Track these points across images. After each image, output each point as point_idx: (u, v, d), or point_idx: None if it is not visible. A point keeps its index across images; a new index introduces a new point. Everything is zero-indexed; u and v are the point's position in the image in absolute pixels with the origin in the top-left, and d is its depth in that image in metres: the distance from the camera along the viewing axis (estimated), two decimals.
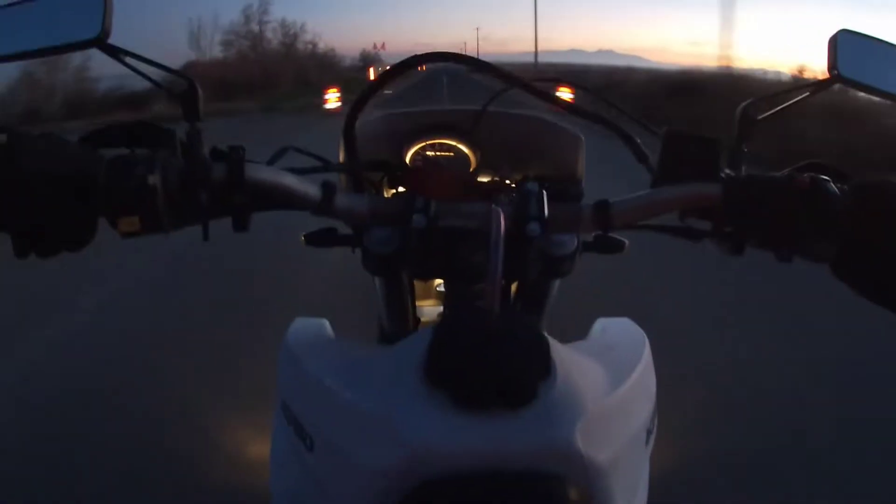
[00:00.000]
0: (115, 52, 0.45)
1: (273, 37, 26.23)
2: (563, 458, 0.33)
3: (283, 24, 26.89)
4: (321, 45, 29.37)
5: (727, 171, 0.47)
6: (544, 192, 0.45)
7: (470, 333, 0.35)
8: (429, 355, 0.35)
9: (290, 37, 27.37)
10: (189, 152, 0.42)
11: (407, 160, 0.52)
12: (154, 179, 0.38)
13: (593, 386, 0.38)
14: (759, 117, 0.48)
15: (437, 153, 0.53)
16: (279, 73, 20.76)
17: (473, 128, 0.55)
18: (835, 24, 0.52)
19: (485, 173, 0.57)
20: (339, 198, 0.45)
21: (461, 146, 0.52)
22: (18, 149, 0.37)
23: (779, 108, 0.49)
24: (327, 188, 0.45)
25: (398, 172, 0.49)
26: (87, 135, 0.43)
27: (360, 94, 0.46)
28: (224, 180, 0.42)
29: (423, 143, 0.53)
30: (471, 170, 0.50)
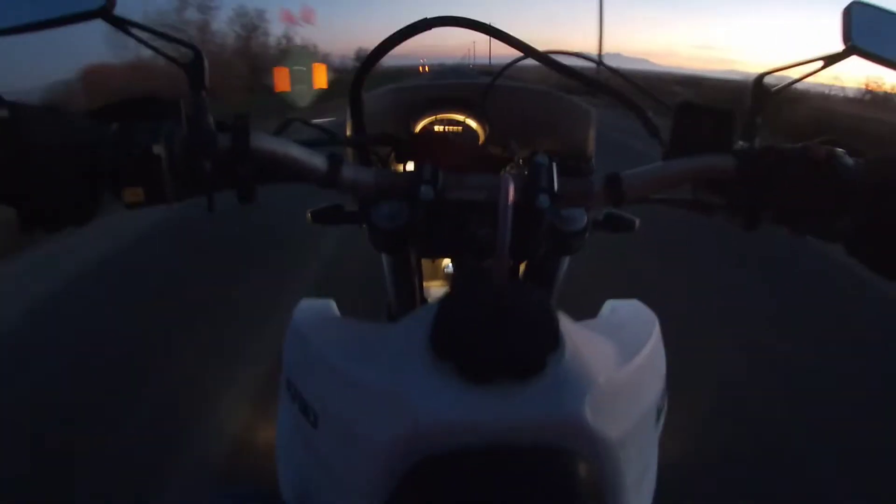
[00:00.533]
0: (121, 23, 0.44)
1: (230, 30, 17.54)
2: (572, 432, 0.32)
3: (240, 14, 18.11)
4: (297, 40, 20.51)
5: (741, 143, 0.46)
6: (554, 165, 0.44)
7: (477, 305, 0.35)
8: (435, 327, 0.34)
9: (248, 28, 18.25)
10: (194, 123, 0.41)
11: (415, 134, 0.51)
12: (158, 149, 0.38)
13: (603, 361, 0.37)
14: (774, 89, 0.47)
15: (446, 127, 0.52)
16: (231, 77, 13.34)
17: (482, 102, 0.55)
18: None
19: (493, 147, 0.57)
20: (345, 170, 0.44)
21: (469, 120, 0.51)
22: (21, 121, 0.37)
23: (794, 80, 0.48)
24: (334, 160, 0.44)
25: (406, 146, 0.49)
26: (93, 109, 0.43)
27: (365, 58, 0.45)
28: (229, 150, 0.41)
29: (432, 118, 0.52)
30: (479, 143, 0.50)
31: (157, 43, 0.45)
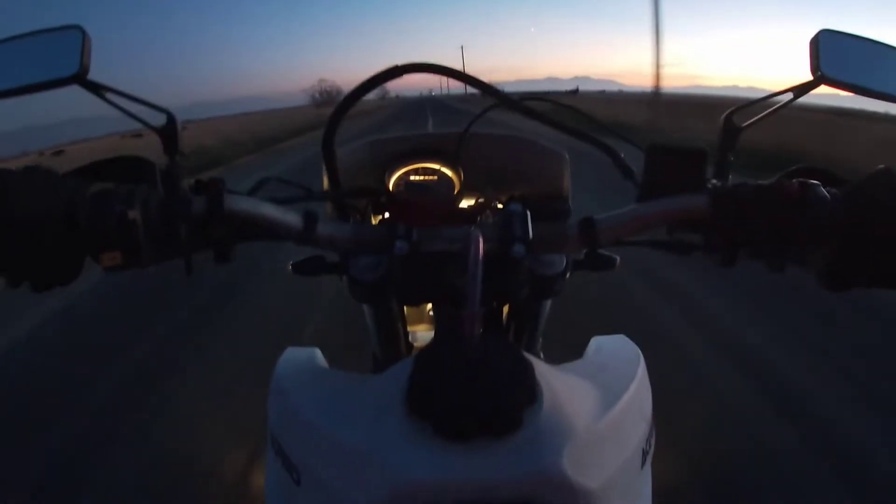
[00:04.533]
0: (96, 88, 0.45)
1: None
2: (552, 487, 0.32)
3: None
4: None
5: (713, 181, 0.46)
6: (528, 212, 0.44)
7: (450, 361, 0.35)
8: (410, 386, 0.34)
9: None
10: (169, 186, 0.42)
11: (391, 186, 0.52)
12: (134, 214, 0.38)
13: (583, 409, 0.37)
14: (743, 125, 0.47)
15: (422, 177, 0.52)
16: None
17: (457, 151, 0.55)
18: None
19: (470, 195, 0.57)
20: (321, 226, 0.45)
21: (445, 169, 0.52)
22: (4, 191, 0.37)
23: (763, 114, 0.48)
24: (309, 218, 0.44)
25: (382, 199, 0.49)
26: (71, 171, 0.43)
27: (336, 106, 0.45)
28: (204, 214, 0.41)
29: (407, 168, 0.52)
30: (455, 192, 0.50)
31: (132, 107, 0.45)
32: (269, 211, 0.44)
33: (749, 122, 0.47)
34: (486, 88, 0.45)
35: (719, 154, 0.48)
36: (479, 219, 0.53)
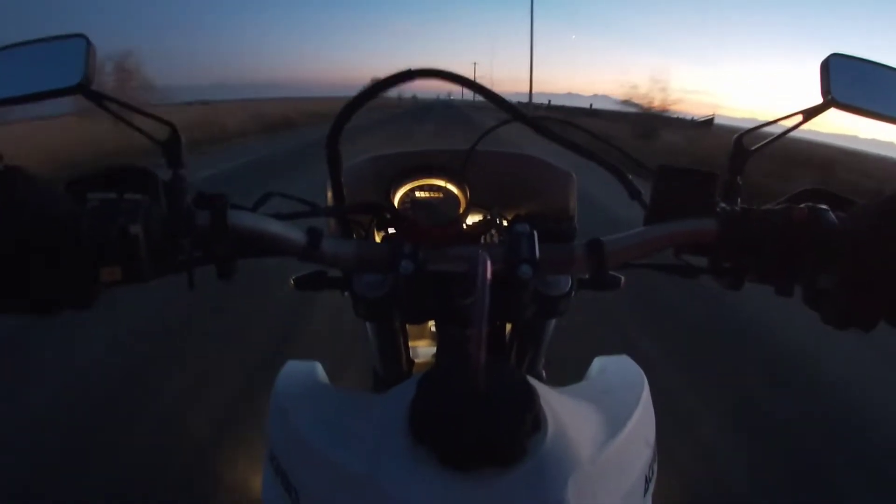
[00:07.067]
0: (98, 98, 0.44)
1: None
2: None
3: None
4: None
5: (722, 204, 0.45)
6: (535, 232, 0.44)
7: (454, 387, 0.34)
8: (412, 411, 0.34)
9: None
10: (172, 201, 0.41)
11: (396, 202, 0.51)
12: (136, 229, 0.38)
13: (587, 436, 0.36)
14: (753, 148, 0.47)
15: (427, 194, 0.51)
16: None
17: (463, 167, 0.54)
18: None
19: (475, 212, 0.56)
20: (325, 243, 0.44)
21: (450, 186, 0.51)
22: (16, 187, 0.36)
23: (773, 137, 0.48)
24: (313, 235, 0.44)
25: (387, 214, 0.48)
26: (73, 180, 0.42)
27: (343, 107, 0.43)
28: (207, 229, 0.41)
29: (412, 185, 0.51)
30: (461, 210, 0.49)
31: (135, 119, 0.45)
32: (273, 227, 0.43)
33: (759, 145, 0.47)
34: (497, 101, 0.43)
35: (729, 177, 0.47)
36: (484, 238, 0.52)
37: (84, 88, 0.44)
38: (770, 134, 0.48)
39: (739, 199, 0.47)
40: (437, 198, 0.51)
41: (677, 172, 0.46)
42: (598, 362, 0.50)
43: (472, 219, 0.54)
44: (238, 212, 0.42)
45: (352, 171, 0.52)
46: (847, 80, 0.48)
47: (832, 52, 0.48)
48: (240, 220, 0.42)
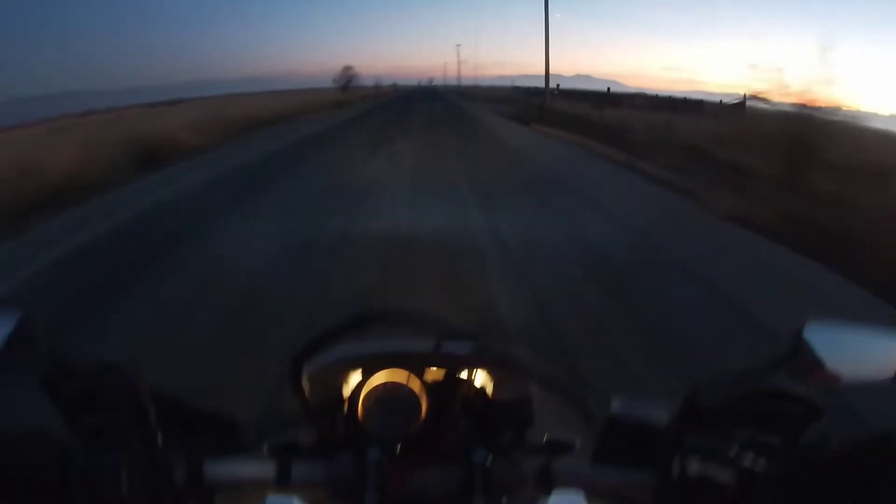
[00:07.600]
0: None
1: None
2: None
3: None
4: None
5: (666, 458, 0.43)
6: (489, 458, 0.47)
7: None
8: None
9: None
10: (150, 458, 0.43)
11: (361, 399, 0.49)
12: (123, 485, 0.41)
13: None
14: (706, 406, 0.42)
15: (391, 395, 0.49)
16: None
17: (422, 370, 0.51)
18: None
19: (437, 421, 0.51)
20: (295, 471, 0.48)
21: (413, 385, 0.49)
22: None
23: (727, 397, 0.42)
24: (282, 470, 0.47)
25: (349, 428, 0.49)
26: (50, 373, 0.42)
27: (304, 345, 0.46)
28: (185, 484, 0.45)
29: (377, 384, 0.50)
30: (421, 418, 0.49)
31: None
32: (247, 469, 0.48)
33: (709, 406, 0.43)
34: (462, 338, 0.49)
35: (675, 431, 0.43)
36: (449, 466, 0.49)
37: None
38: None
39: (681, 461, 0.42)
40: (400, 399, 0.49)
41: (625, 423, 0.47)
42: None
43: (433, 426, 0.50)
44: (215, 463, 0.47)
45: (318, 368, 0.51)
46: (827, 347, 0.45)
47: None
48: (217, 472, 0.46)
